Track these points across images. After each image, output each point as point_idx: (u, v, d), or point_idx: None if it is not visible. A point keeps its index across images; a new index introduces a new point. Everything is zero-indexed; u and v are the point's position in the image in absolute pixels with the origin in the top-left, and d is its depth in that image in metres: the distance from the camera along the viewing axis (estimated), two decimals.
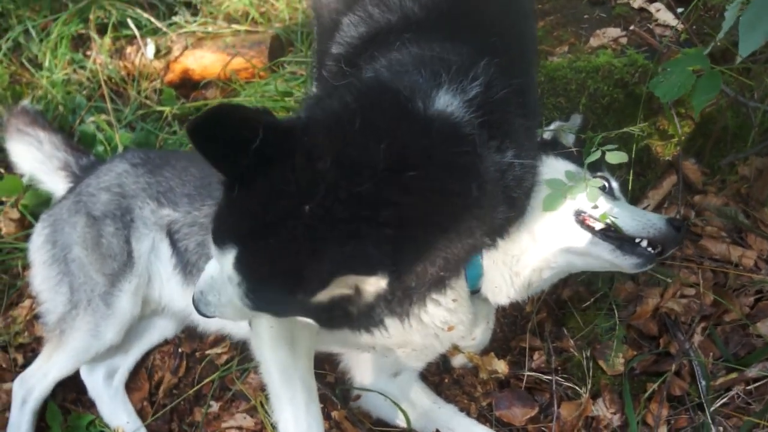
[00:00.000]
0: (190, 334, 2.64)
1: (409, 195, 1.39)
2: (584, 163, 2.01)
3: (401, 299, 1.64)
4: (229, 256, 1.45)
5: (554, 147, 2.14)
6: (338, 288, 1.38)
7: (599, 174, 2.07)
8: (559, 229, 1.98)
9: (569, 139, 2.19)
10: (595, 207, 1.96)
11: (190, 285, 2.35)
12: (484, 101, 1.55)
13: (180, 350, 2.61)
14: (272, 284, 1.43)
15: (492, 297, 2.11)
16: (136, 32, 3.53)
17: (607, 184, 2.08)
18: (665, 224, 1.97)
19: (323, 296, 1.39)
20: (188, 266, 2.36)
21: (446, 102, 1.52)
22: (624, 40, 2.43)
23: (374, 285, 1.38)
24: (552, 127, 2.20)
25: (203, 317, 1.77)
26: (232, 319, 1.90)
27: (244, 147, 1.37)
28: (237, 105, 1.51)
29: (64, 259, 2.40)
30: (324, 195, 1.35)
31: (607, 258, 1.97)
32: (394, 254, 1.35)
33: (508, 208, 1.69)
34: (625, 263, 1.97)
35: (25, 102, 3.08)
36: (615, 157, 2.04)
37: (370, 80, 1.60)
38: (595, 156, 2.02)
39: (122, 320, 2.37)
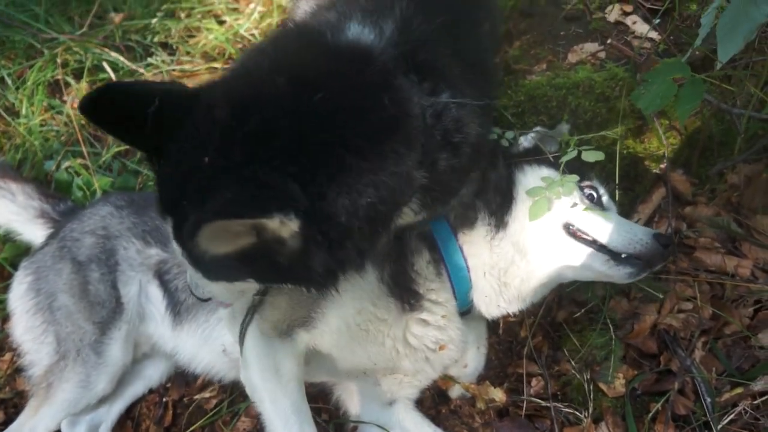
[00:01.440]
0: (177, 380, 2.57)
1: (315, 118, 1.33)
2: (560, 166, 2.00)
3: (341, 242, 1.44)
4: (170, 229, 1.43)
5: (536, 154, 2.11)
6: (233, 235, 1.32)
7: (587, 183, 2.04)
8: (548, 241, 1.96)
9: (552, 147, 2.16)
10: (574, 205, 1.96)
11: (178, 325, 2.29)
12: (401, 38, 1.54)
13: (165, 399, 2.54)
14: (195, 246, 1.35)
15: (485, 309, 2.08)
16: (112, 75, 3.49)
17: (595, 194, 2.04)
18: (651, 239, 1.94)
19: (225, 247, 1.35)
20: (178, 306, 2.29)
21: (356, 32, 1.52)
22: (602, 55, 2.40)
23: (282, 227, 1.31)
24: (532, 133, 2.18)
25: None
26: (222, 298, 1.84)
27: (143, 118, 1.36)
28: (133, 81, 1.48)
29: (49, 308, 2.32)
30: (219, 142, 1.31)
31: (600, 269, 1.94)
32: (304, 189, 1.30)
33: (451, 154, 1.64)
34: (618, 273, 1.94)
35: None
36: (591, 155, 2.04)
37: (289, 26, 1.65)
38: (572, 155, 2.02)
39: (114, 369, 2.30)
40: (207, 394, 2.48)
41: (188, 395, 2.52)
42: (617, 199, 2.33)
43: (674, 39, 2.44)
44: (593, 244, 1.94)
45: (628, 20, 2.55)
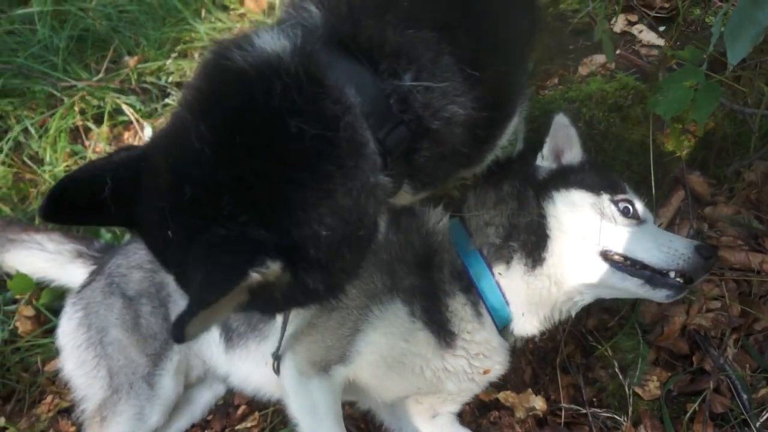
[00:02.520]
0: (218, 411, 2.61)
1: (242, 161, 1.24)
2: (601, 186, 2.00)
3: (330, 259, 1.37)
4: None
5: (561, 175, 2.08)
6: (224, 306, 1.27)
7: (621, 196, 2.02)
8: (587, 271, 1.96)
9: (572, 149, 2.15)
10: (612, 221, 1.97)
11: (230, 350, 2.33)
12: (332, 19, 1.44)
13: (207, 431, 2.57)
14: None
15: (521, 332, 2.09)
16: (132, 117, 3.58)
17: (630, 207, 2.01)
18: (693, 252, 1.93)
19: (221, 316, 1.32)
20: (230, 332, 2.33)
21: (263, 42, 1.38)
22: (612, 65, 2.46)
23: (266, 276, 1.26)
24: (546, 145, 2.13)
25: None
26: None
27: (103, 202, 1.33)
28: (76, 171, 1.42)
29: (100, 342, 2.36)
30: (172, 213, 1.27)
31: (638, 292, 1.95)
32: (267, 231, 1.24)
33: (432, 142, 1.49)
34: (656, 296, 1.95)
35: None
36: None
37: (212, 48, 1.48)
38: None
39: (167, 401, 2.35)
40: (248, 424, 2.51)
41: (229, 426, 2.55)
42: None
43: (681, 45, 2.50)
44: (632, 267, 1.94)
45: (634, 29, 2.61)
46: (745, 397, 2.13)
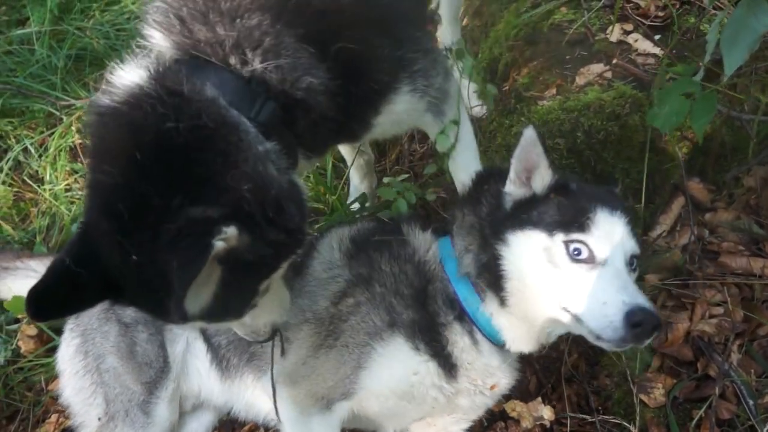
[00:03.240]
0: (223, 428, 2.60)
1: (151, 168, 1.43)
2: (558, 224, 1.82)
3: (277, 212, 1.55)
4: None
5: (524, 212, 1.91)
6: (205, 278, 1.48)
7: (575, 236, 1.82)
8: (547, 315, 1.89)
9: (545, 180, 1.95)
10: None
11: (227, 380, 2.33)
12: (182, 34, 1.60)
13: None
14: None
15: (515, 348, 2.04)
16: None
17: (583, 248, 1.81)
18: (622, 321, 1.71)
19: (208, 290, 1.53)
20: (223, 361, 2.33)
21: (123, 75, 1.55)
22: (609, 74, 2.48)
23: (228, 242, 1.44)
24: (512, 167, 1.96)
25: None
26: (267, 319, 1.94)
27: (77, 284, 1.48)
28: (40, 282, 1.53)
29: (97, 369, 2.36)
30: (123, 244, 1.42)
31: (588, 338, 1.85)
32: (209, 207, 1.42)
33: (302, 111, 1.66)
34: (604, 345, 1.82)
35: None
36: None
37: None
38: None
39: (162, 428, 2.33)
40: None
41: None
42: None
43: (676, 53, 2.52)
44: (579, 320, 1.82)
45: (630, 39, 2.63)
46: (751, 402, 2.13)
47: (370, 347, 2.01)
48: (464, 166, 2.25)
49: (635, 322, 1.70)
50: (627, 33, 2.66)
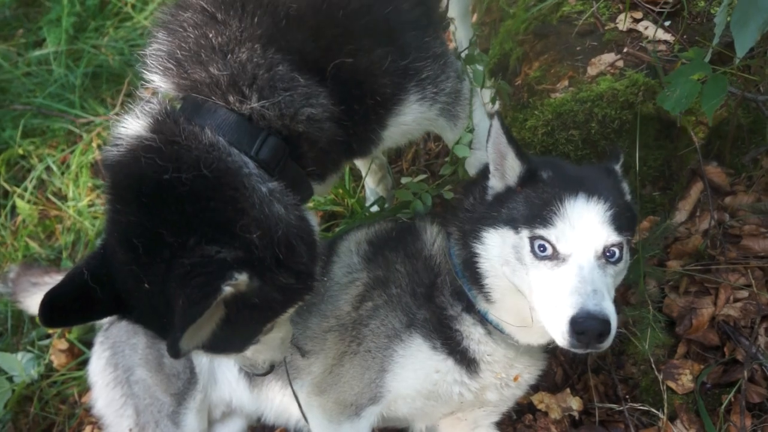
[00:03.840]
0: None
1: (158, 212, 1.49)
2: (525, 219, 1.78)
3: (287, 257, 1.59)
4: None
5: (497, 208, 1.89)
6: (207, 320, 1.51)
7: (539, 232, 1.77)
8: (526, 311, 1.88)
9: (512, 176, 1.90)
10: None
11: (255, 388, 2.37)
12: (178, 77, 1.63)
13: None
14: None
15: (523, 341, 2.01)
16: None
17: (547, 245, 1.77)
18: (567, 326, 1.67)
19: (207, 328, 1.55)
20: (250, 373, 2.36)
21: (126, 129, 1.61)
22: (620, 63, 2.48)
23: (236, 288, 1.48)
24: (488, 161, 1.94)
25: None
26: (267, 356, 1.96)
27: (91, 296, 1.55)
28: (59, 283, 1.62)
29: (127, 381, 2.40)
30: (141, 269, 1.49)
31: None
32: (223, 249, 1.47)
33: (308, 142, 1.67)
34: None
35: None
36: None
37: None
38: None
39: None
40: None
41: None
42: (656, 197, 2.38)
43: (687, 38, 2.51)
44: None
45: (640, 26, 2.63)
46: None
47: (392, 350, 2.04)
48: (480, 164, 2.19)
49: (578, 330, 1.65)
50: (637, 21, 2.66)
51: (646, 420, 2.25)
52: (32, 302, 2.90)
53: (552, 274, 1.75)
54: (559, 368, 2.43)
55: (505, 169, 1.91)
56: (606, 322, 1.65)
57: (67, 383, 2.96)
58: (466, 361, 2.02)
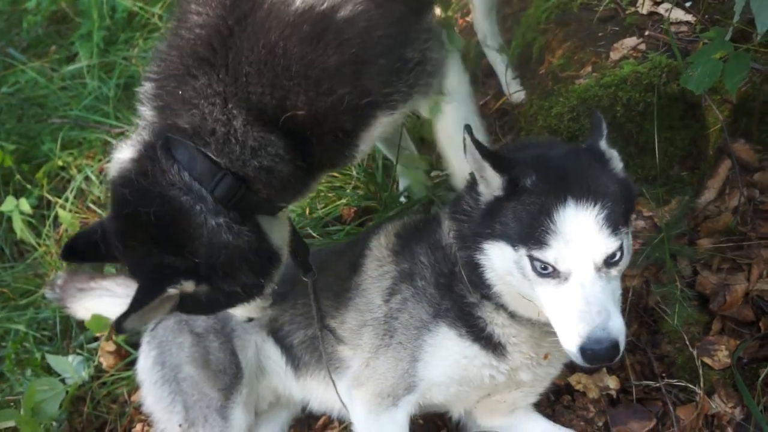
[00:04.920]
0: (299, 426, 2.71)
1: (139, 228, 1.85)
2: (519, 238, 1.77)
3: (232, 269, 1.91)
4: None
5: (492, 221, 1.87)
6: (157, 307, 1.87)
7: (536, 253, 1.75)
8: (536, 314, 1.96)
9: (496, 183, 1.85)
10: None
11: (301, 377, 2.45)
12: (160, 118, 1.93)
13: None
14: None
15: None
16: None
17: (547, 264, 1.76)
18: (578, 353, 1.75)
19: (156, 314, 1.94)
20: (296, 360, 2.45)
21: (119, 156, 1.97)
22: (643, 47, 2.51)
23: (183, 288, 1.86)
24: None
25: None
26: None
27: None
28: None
29: (174, 379, 2.49)
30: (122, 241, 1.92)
31: None
32: (179, 260, 1.84)
33: (262, 182, 1.89)
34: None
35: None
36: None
37: None
38: None
39: (240, 430, 2.45)
40: None
41: None
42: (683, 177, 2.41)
43: (709, 18, 2.53)
44: None
45: (661, 9, 2.65)
46: None
47: (421, 340, 2.10)
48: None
49: (589, 357, 1.72)
50: (657, 4, 2.68)
51: (684, 397, 2.28)
52: (79, 307, 3.03)
53: (557, 292, 1.77)
54: None
55: (488, 180, 1.90)
56: (614, 346, 1.71)
57: (116, 383, 3.05)
58: (492, 346, 2.07)
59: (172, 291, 1.84)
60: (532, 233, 1.76)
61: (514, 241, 1.81)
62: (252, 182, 1.90)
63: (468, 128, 1.87)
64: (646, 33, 2.52)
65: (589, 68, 2.53)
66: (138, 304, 1.81)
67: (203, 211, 1.86)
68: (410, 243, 2.26)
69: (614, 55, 2.52)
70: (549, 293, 1.78)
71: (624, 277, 2.46)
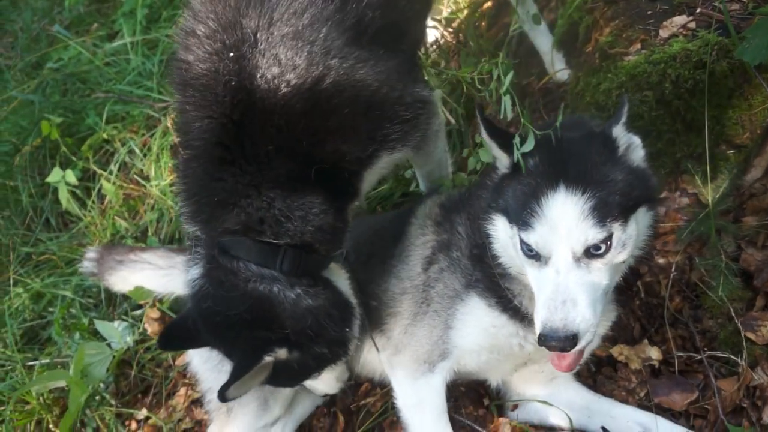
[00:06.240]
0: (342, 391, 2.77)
1: (235, 327, 2.05)
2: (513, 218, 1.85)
3: (318, 334, 2.07)
4: None
5: (498, 196, 1.96)
6: (254, 376, 2.05)
7: (522, 235, 1.83)
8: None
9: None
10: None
11: None
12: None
13: (333, 409, 2.73)
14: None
15: None
16: None
17: (527, 246, 1.83)
18: (539, 341, 1.82)
19: (253, 382, 2.09)
20: None
21: (190, 271, 2.21)
22: (693, 25, 2.52)
23: (277, 356, 2.02)
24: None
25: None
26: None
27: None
28: (171, 323, 2.44)
29: None
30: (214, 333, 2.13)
31: None
32: (270, 333, 2.02)
33: (319, 241, 2.08)
34: None
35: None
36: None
37: None
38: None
39: (288, 393, 2.54)
40: (371, 399, 2.67)
41: (354, 402, 2.71)
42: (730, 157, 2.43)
43: None
44: None
45: None
46: None
47: (454, 309, 2.19)
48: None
49: (544, 343, 1.78)
50: None
51: (726, 370, 2.32)
52: (118, 279, 3.10)
53: (538, 274, 1.83)
54: (636, 323, 2.50)
55: (498, 157, 1.99)
56: (569, 338, 1.74)
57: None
58: (520, 316, 2.12)
59: (267, 359, 2.00)
60: (521, 214, 1.82)
61: (510, 217, 1.89)
62: (311, 245, 2.06)
63: (479, 107, 2.05)
64: (698, 10, 2.52)
65: (638, 45, 2.55)
66: (238, 373, 1.96)
67: (281, 289, 2.02)
68: (451, 214, 2.33)
69: (663, 33, 2.54)
70: (533, 273, 1.86)
71: (667, 253, 2.55)
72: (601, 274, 1.79)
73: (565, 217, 1.75)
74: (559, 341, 1.75)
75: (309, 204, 2.04)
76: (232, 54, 1.99)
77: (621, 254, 1.81)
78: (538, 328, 1.79)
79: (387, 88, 2.14)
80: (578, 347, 1.78)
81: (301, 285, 2.05)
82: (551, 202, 1.76)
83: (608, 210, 1.74)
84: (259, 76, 1.97)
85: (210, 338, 2.15)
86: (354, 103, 2.07)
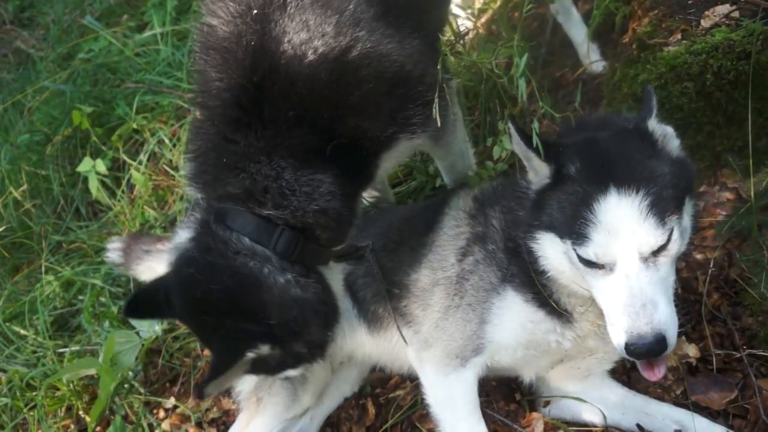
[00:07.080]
0: (371, 383, 2.75)
1: (207, 299, 1.94)
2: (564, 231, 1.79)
3: (300, 332, 2.00)
4: None
5: (540, 212, 1.89)
6: (234, 373, 1.99)
7: (578, 249, 1.76)
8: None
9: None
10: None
11: (374, 332, 2.48)
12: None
13: (362, 401, 2.72)
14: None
15: None
16: None
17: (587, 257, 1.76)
18: (623, 348, 1.77)
19: (233, 377, 2.12)
20: (368, 314, 2.48)
21: (178, 238, 2.10)
22: (736, 14, 2.46)
23: (259, 352, 1.95)
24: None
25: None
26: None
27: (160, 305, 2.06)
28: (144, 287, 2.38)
29: None
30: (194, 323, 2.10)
31: None
32: (255, 326, 1.92)
33: (320, 226, 2.00)
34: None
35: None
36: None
37: None
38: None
39: (318, 384, 2.53)
40: (401, 392, 2.65)
41: (383, 395, 2.69)
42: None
43: None
44: None
45: None
46: None
47: (490, 303, 2.14)
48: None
49: (633, 353, 1.72)
50: None
51: (765, 370, 2.26)
52: (145, 268, 3.09)
53: (605, 282, 1.77)
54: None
55: (534, 168, 1.91)
56: (659, 340, 1.68)
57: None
58: (557, 312, 2.08)
59: (250, 355, 1.93)
60: (573, 226, 1.74)
61: (561, 232, 1.81)
62: (311, 229, 1.99)
63: (511, 117, 1.98)
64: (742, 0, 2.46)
65: (679, 36, 2.50)
66: (218, 370, 1.88)
67: (271, 271, 1.94)
68: (485, 207, 2.29)
69: (705, 23, 2.48)
70: (597, 283, 1.79)
71: (705, 248, 2.49)
72: (667, 268, 1.75)
73: (624, 219, 1.69)
74: (649, 347, 1.69)
75: (318, 181, 1.95)
76: (255, 12, 1.92)
77: (681, 246, 1.79)
78: (621, 338, 1.72)
79: (411, 65, 2.09)
80: (669, 350, 1.72)
81: (292, 271, 1.96)
82: (604, 206, 1.70)
83: (665, 205, 1.70)
84: (286, 40, 1.92)
85: (186, 317, 2.05)
86: (379, 78, 2.01)
